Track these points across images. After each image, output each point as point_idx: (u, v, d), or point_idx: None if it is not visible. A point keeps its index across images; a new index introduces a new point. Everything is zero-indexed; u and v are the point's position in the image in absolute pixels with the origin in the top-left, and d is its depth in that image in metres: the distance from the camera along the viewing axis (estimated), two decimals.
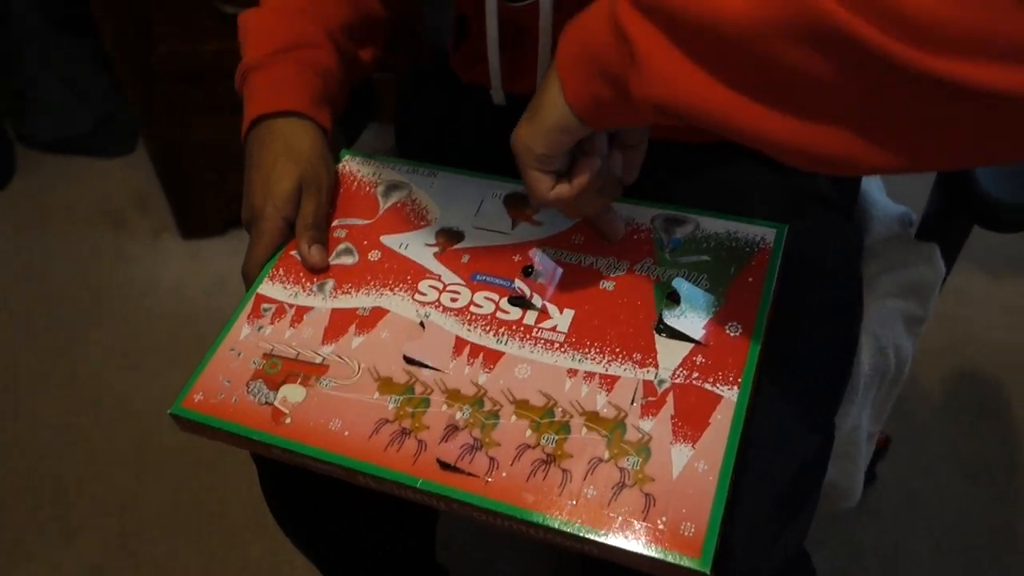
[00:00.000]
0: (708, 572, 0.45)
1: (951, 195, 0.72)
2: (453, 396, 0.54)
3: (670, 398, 0.52)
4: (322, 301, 0.61)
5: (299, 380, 0.56)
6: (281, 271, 0.63)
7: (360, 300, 0.61)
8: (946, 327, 1.41)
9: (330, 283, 0.62)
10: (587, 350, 0.56)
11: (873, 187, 0.85)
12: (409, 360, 0.57)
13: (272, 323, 0.60)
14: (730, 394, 0.52)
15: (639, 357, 0.55)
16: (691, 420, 0.51)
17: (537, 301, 0.59)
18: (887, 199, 0.85)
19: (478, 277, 0.61)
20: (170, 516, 1.23)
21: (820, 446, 0.64)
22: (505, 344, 0.57)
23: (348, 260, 0.64)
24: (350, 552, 0.77)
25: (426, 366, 0.56)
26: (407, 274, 0.62)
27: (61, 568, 1.19)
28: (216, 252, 1.62)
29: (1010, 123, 0.34)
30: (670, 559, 0.46)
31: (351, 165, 0.71)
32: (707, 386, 0.52)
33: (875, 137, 0.38)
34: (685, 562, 0.45)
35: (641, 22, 0.43)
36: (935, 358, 1.37)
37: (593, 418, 0.52)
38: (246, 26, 0.69)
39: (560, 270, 0.60)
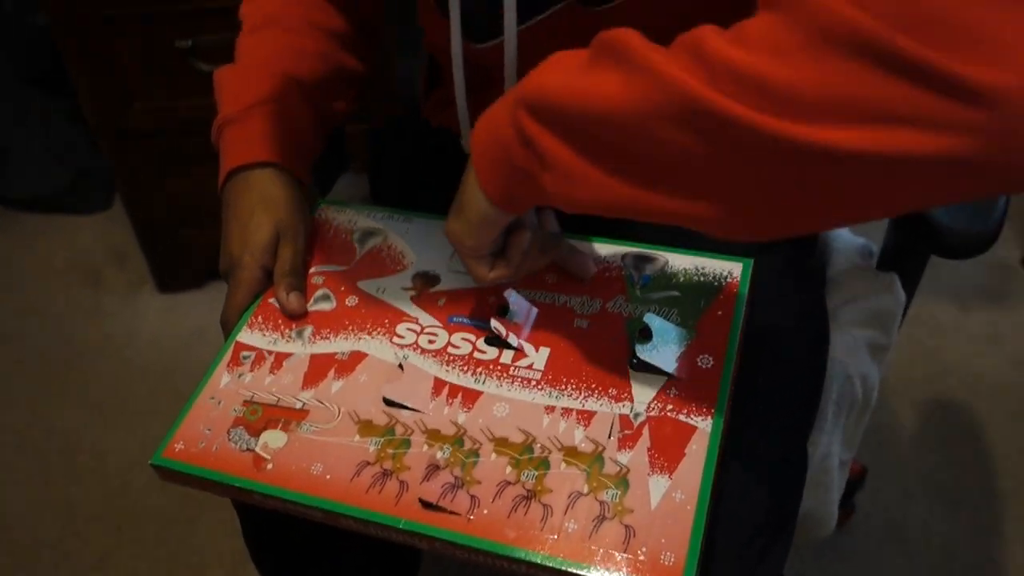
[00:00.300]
0: None
1: (906, 226, 0.74)
2: (433, 436, 0.55)
3: (646, 430, 0.53)
4: (301, 347, 0.62)
5: (280, 426, 0.57)
6: (260, 319, 0.64)
7: (339, 345, 0.62)
8: (918, 357, 1.43)
9: (308, 329, 0.63)
10: (563, 387, 0.57)
11: None
12: (389, 402, 0.58)
13: (252, 370, 0.61)
14: (704, 424, 0.53)
15: (614, 392, 0.56)
16: (667, 451, 0.52)
17: (513, 340, 0.60)
18: (848, 232, 0.87)
19: (455, 319, 0.62)
20: (149, 572, 1.21)
21: (793, 475, 0.65)
22: (483, 383, 0.58)
23: (326, 306, 0.65)
24: None
25: (405, 407, 0.57)
26: (385, 318, 0.63)
27: None
28: (193, 305, 1.62)
29: (870, 182, 0.36)
30: None
31: (327, 213, 0.73)
32: (681, 417, 0.54)
33: (749, 203, 0.41)
34: None
35: (539, 127, 0.46)
36: (909, 388, 1.39)
37: (572, 453, 0.53)
38: (221, 82, 0.71)
39: (535, 310, 0.62)
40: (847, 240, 0.83)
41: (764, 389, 0.63)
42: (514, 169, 0.49)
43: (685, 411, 0.54)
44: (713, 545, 0.54)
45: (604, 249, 0.65)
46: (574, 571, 0.48)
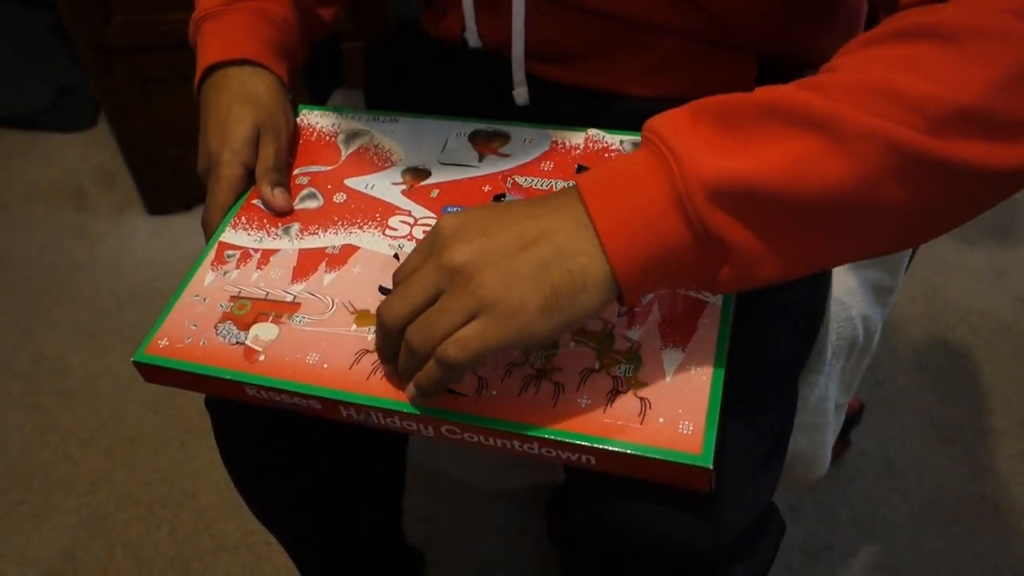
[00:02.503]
0: (710, 467, 0.45)
1: None
2: None
3: (655, 307, 0.53)
4: (288, 243, 0.60)
5: (270, 319, 0.55)
6: (243, 219, 0.62)
7: (329, 239, 0.60)
8: (919, 294, 1.41)
9: (296, 226, 0.62)
10: None
11: None
12: (385, 291, 0.56)
13: (237, 268, 0.59)
14: (714, 299, 0.52)
15: None
16: (678, 326, 0.51)
17: None
18: None
19: (449, 208, 0.61)
20: (141, 496, 1.22)
21: (784, 405, 0.64)
22: None
23: (313, 204, 0.63)
24: (311, 521, 0.76)
25: None
26: (376, 212, 0.62)
27: (29, 552, 1.17)
28: (183, 228, 1.59)
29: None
30: (671, 457, 0.45)
31: (309, 118, 0.71)
32: (691, 293, 0.53)
33: (931, 223, 0.44)
34: (686, 459, 0.45)
35: (730, 220, 0.41)
36: (909, 325, 1.37)
37: (580, 332, 0.52)
38: None
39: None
40: None
41: (757, 323, 0.61)
42: (679, 268, 0.43)
43: (693, 288, 0.53)
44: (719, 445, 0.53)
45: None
46: (590, 444, 0.47)
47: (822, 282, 0.69)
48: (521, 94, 0.69)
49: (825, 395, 0.73)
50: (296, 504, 0.73)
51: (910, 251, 0.74)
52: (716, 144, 0.41)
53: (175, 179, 1.56)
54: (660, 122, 0.44)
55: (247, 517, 1.17)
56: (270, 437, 0.66)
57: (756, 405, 0.59)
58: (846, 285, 0.73)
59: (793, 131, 0.41)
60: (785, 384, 0.64)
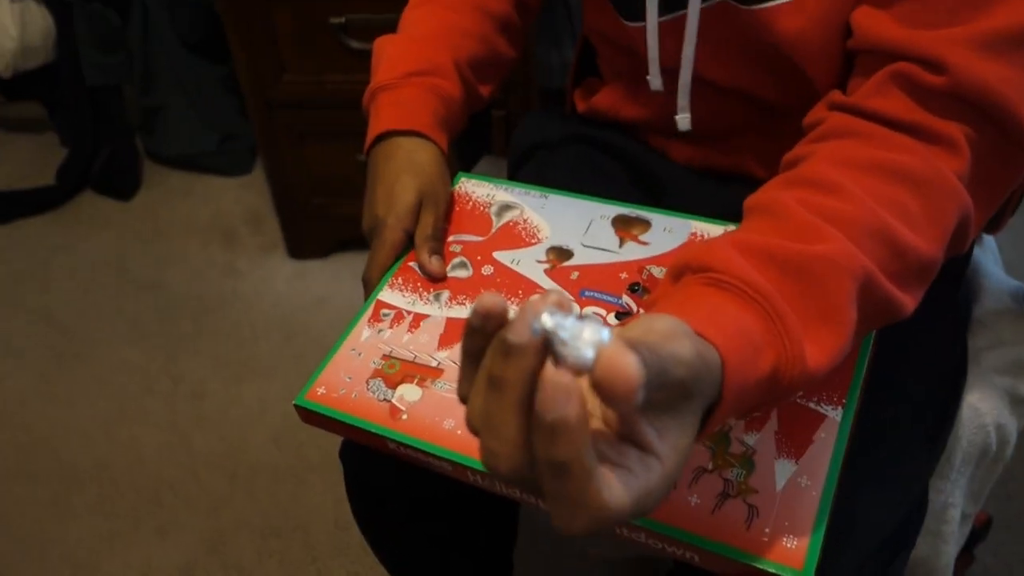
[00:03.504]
0: None
1: None
2: None
3: (774, 414, 0.53)
4: (438, 310, 0.64)
5: (416, 381, 0.59)
6: (400, 280, 0.67)
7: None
8: None
9: (446, 293, 0.66)
10: None
11: (988, 259, 0.82)
12: None
13: (391, 327, 0.64)
14: (834, 414, 0.52)
15: None
16: (795, 437, 0.52)
17: (648, 300, 0.60)
18: (1001, 272, 0.82)
19: (587, 293, 0.63)
20: (257, 524, 1.28)
21: (910, 513, 0.63)
22: None
23: (463, 273, 0.67)
24: (427, 566, 0.78)
25: None
26: (519, 288, 0.65)
27: (153, 563, 1.24)
28: (319, 273, 1.68)
29: None
30: (772, 569, 0.46)
31: (467, 187, 0.75)
32: (811, 405, 0.53)
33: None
34: (788, 574, 0.46)
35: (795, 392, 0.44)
36: None
37: None
38: (381, 50, 0.74)
39: None
40: (999, 279, 0.78)
41: (889, 419, 0.61)
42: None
43: (815, 399, 0.53)
44: (825, 562, 0.53)
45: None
46: (696, 544, 0.48)
47: (956, 385, 0.68)
48: (684, 120, 0.71)
49: (951, 503, 0.70)
50: (414, 549, 0.75)
51: None
52: (810, 329, 0.44)
53: (317, 227, 1.66)
54: (748, 273, 0.44)
55: (353, 555, 1.21)
56: (396, 489, 0.69)
57: (872, 517, 0.58)
58: (980, 391, 0.71)
59: (849, 296, 0.45)
60: (907, 491, 0.62)
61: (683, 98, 0.69)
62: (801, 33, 0.60)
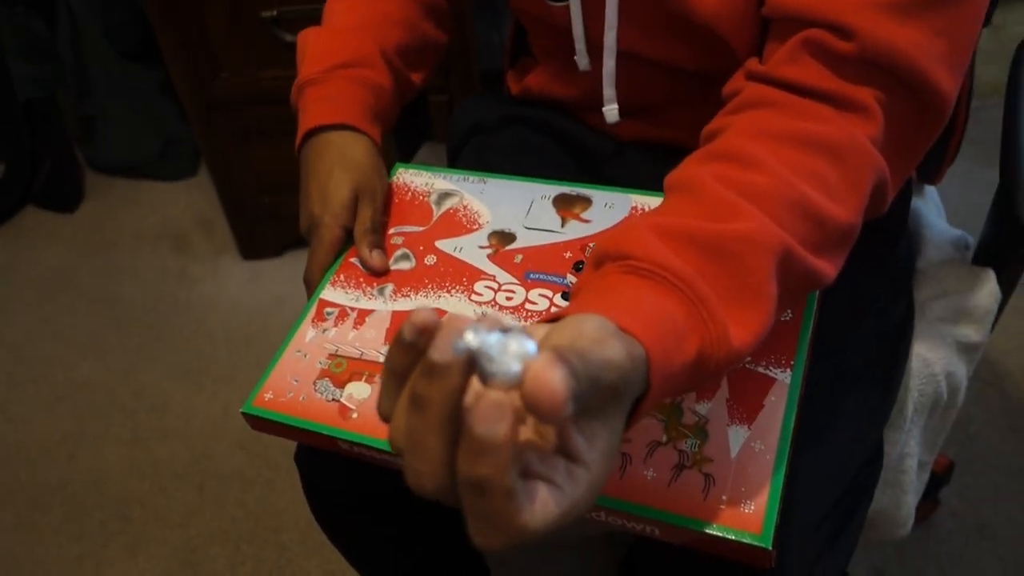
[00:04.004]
0: (769, 547, 0.46)
1: (1006, 219, 0.70)
2: None
3: (724, 382, 0.53)
4: (383, 304, 0.64)
5: (364, 378, 0.59)
6: (342, 277, 0.66)
7: (419, 302, 0.63)
8: (1013, 348, 1.37)
9: (389, 287, 0.65)
10: None
11: (931, 210, 0.83)
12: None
13: (336, 326, 0.63)
14: (783, 376, 0.53)
15: None
16: (746, 402, 0.52)
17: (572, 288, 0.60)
18: (944, 222, 0.83)
19: (531, 275, 0.63)
20: (229, 531, 1.26)
21: (865, 468, 0.64)
22: None
23: (406, 265, 0.66)
24: (395, 560, 0.78)
25: None
26: (463, 276, 0.64)
27: None
28: (274, 273, 1.66)
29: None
30: (732, 536, 0.46)
31: (404, 177, 0.74)
32: (760, 369, 0.53)
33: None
34: (747, 539, 0.46)
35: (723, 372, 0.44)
36: (1003, 381, 1.33)
37: None
38: (305, 44, 0.72)
39: None
40: (941, 230, 0.79)
41: (838, 380, 0.62)
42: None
43: (764, 363, 0.54)
44: (785, 523, 0.54)
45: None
46: (655, 518, 0.48)
47: (902, 337, 0.69)
48: (611, 112, 0.71)
49: (906, 451, 0.71)
50: (379, 545, 0.75)
51: (997, 308, 0.73)
52: (733, 310, 0.43)
53: (268, 226, 1.64)
54: (667, 258, 0.43)
55: (327, 555, 1.20)
56: (354, 489, 0.69)
57: (827, 473, 0.59)
58: (928, 341, 0.72)
59: (768, 272, 0.45)
60: (860, 446, 0.63)
61: (608, 87, 0.69)
62: (720, 5, 0.59)
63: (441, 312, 0.62)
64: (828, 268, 0.48)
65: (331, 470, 0.68)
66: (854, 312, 0.65)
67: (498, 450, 0.31)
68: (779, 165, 0.47)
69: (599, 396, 0.35)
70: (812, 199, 0.47)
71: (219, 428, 1.40)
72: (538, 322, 0.41)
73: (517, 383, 0.32)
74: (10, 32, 1.72)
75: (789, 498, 0.50)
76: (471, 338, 0.32)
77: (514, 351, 0.32)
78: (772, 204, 0.46)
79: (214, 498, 1.31)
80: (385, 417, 0.37)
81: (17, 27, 1.71)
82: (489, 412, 0.30)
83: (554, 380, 0.31)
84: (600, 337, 0.36)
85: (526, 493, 0.33)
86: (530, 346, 0.32)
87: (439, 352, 0.32)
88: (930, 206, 0.84)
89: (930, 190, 0.87)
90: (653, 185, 0.67)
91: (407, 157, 0.97)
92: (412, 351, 0.34)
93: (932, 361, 0.71)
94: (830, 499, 0.59)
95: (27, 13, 1.71)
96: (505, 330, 0.33)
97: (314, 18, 0.75)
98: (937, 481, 1.14)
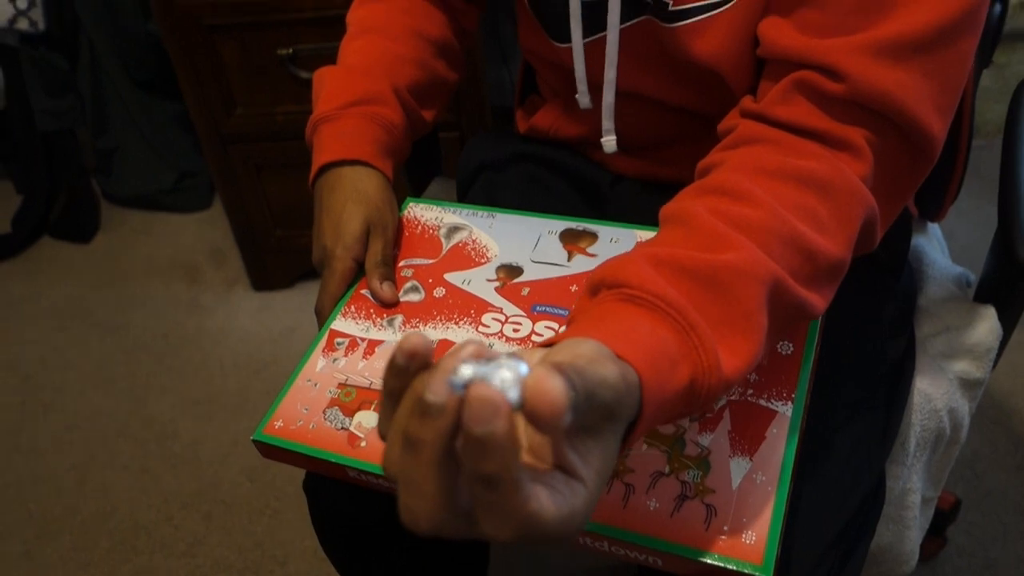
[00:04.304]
0: None
1: (1005, 257, 0.71)
2: None
3: (726, 414, 0.54)
4: (392, 335, 0.65)
5: (373, 407, 0.60)
6: (353, 308, 0.67)
7: (428, 334, 0.64)
8: (1019, 387, 1.36)
9: (399, 318, 0.66)
10: None
11: (934, 248, 0.84)
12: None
13: (346, 355, 0.64)
14: (784, 409, 0.54)
15: None
16: (748, 434, 0.53)
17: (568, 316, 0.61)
18: (946, 259, 0.84)
19: (538, 308, 0.64)
20: (234, 561, 1.26)
21: (867, 502, 0.64)
22: None
23: (415, 297, 0.68)
24: None
25: None
26: (471, 308, 0.65)
27: None
28: (284, 304, 1.68)
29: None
30: (733, 566, 0.47)
31: (415, 211, 0.76)
32: (762, 402, 0.54)
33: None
34: (747, 569, 0.47)
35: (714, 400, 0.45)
36: (1010, 418, 1.32)
37: (653, 434, 0.54)
38: (320, 82, 0.74)
39: None
40: (943, 267, 0.80)
41: (838, 410, 0.63)
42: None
43: (765, 396, 0.54)
44: (787, 557, 0.54)
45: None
46: (657, 548, 0.49)
47: (902, 373, 0.70)
48: (609, 143, 0.73)
49: (909, 488, 0.72)
50: (386, 574, 0.75)
51: (998, 345, 0.74)
52: (724, 338, 0.45)
53: (280, 258, 1.66)
54: (661, 287, 0.44)
55: None
56: (361, 518, 0.69)
57: (828, 507, 0.60)
58: (930, 377, 0.72)
59: (759, 302, 0.46)
60: (861, 479, 0.64)
61: (607, 120, 0.71)
62: (719, 48, 0.61)
63: (449, 343, 0.63)
64: (818, 301, 0.49)
65: (339, 499, 0.69)
66: (855, 346, 0.66)
67: (501, 445, 0.31)
68: (771, 199, 0.49)
69: (593, 414, 0.36)
70: (802, 233, 0.48)
71: (227, 458, 1.41)
72: (534, 347, 0.42)
73: (516, 407, 0.33)
74: (32, 67, 1.76)
75: (790, 532, 0.50)
76: (466, 371, 0.33)
77: (509, 376, 0.33)
78: (763, 236, 0.47)
79: (221, 527, 1.31)
80: (384, 436, 0.38)
81: (39, 62, 1.76)
82: (483, 410, 0.31)
83: (554, 386, 0.31)
84: (596, 357, 0.37)
85: (534, 486, 0.34)
86: (523, 368, 0.33)
87: (433, 392, 0.32)
88: (933, 243, 0.85)
89: (933, 227, 0.88)
90: (655, 219, 0.68)
91: (418, 192, 0.99)
92: (404, 374, 0.35)
93: (934, 397, 0.72)
94: (831, 533, 0.59)
95: (49, 49, 1.75)
96: (496, 361, 0.34)
97: (328, 56, 0.77)
98: (944, 518, 1.14)
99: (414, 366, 0.35)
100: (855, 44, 0.51)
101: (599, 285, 0.47)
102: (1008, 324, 0.75)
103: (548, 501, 0.34)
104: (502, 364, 0.33)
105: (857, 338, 0.66)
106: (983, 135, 1.72)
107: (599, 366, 0.36)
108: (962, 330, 0.73)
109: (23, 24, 1.67)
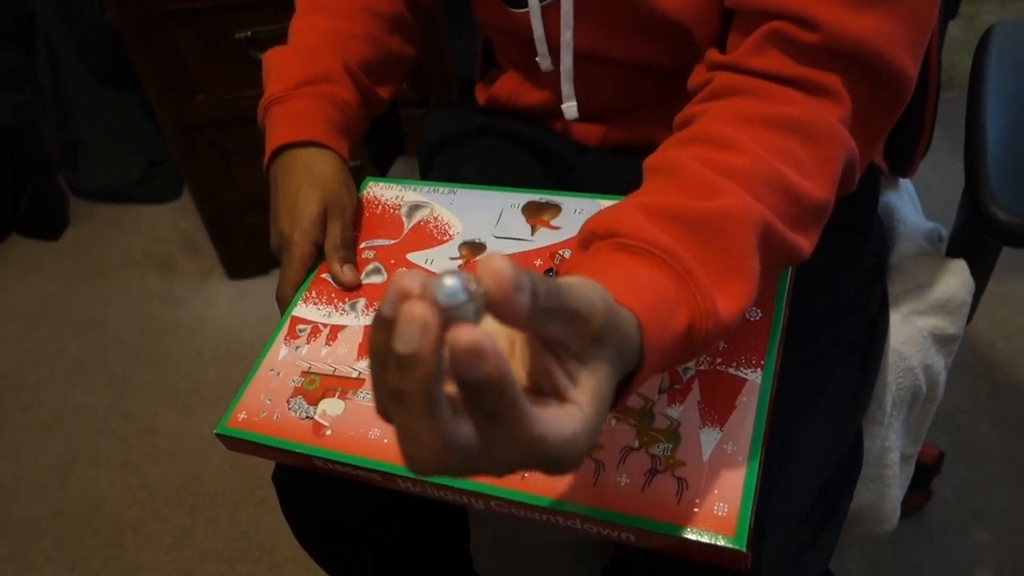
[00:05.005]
0: (743, 550, 0.46)
1: (974, 209, 0.70)
2: None
3: (695, 384, 0.53)
4: (355, 319, 0.63)
5: (337, 394, 0.59)
6: (314, 293, 0.66)
7: None
8: (998, 337, 1.37)
9: (362, 301, 0.65)
10: None
11: (906, 204, 0.83)
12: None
13: (308, 343, 0.63)
14: (754, 376, 0.53)
15: None
16: (717, 404, 0.52)
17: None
18: (918, 215, 0.83)
19: None
20: (222, 551, 1.26)
21: (844, 466, 0.63)
22: None
23: (377, 279, 0.66)
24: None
25: None
26: None
27: None
28: (261, 291, 1.66)
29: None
30: (705, 539, 0.46)
31: (375, 191, 0.74)
32: (731, 370, 0.53)
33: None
34: (720, 541, 0.46)
35: (710, 344, 0.45)
36: (990, 369, 1.33)
37: (621, 409, 0.53)
38: (269, 63, 0.73)
39: None
40: (914, 224, 0.79)
41: (812, 371, 0.62)
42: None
43: (734, 364, 0.54)
44: (763, 525, 0.53)
45: None
46: (629, 524, 0.48)
47: (876, 332, 0.69)
48: (570, 109, 0.72)
49: (888, 446, 0.71)
50: (361, 564, 0.75)
51: (970, 300, 0.73)
52: (719, 282, 0.45)
53: (253, 245, 1.64)
54: (654, 234, 0.44)
55: (322, 573, 1.20)
56: (332, 508, 0.68)
57: (805, 468, 0.59)
58: (904, 335, 0.72)
59: (750, 245, 0.46)
60: (838, 439, 0.64)
61: (567, 85, 0.69)
62: (683, 1, 0.60)
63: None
64: (805, 243, 0.50)
65: (309, 490, 0.68)
66: (827, 307, 0.65)
67: (499, 382, 0.31)
68: (754, 145, 0.49)
69: (571, 329, 0.36)
70: (787, 176, 0.48)
71: (210, 449, 1.40)
72: None
73: (481, 304, 0.32)
74: None
75: (766, 497, 0.50)
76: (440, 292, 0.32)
77: (467, 282, 0.32)
78: (750, 181, 0.47)
79: (207, 519, 1.31)
80: (387, 417, 0.36)
81: None
82: (470, 357, 0.30)
83: (500, 263, 0.31)
84: (575, 281, 0.37)
85: (536, 410, 0.34)
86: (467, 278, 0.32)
87: (403, 342, 0.31)
88: (904, 199, 0.84)
89: (904, 183, 0.87)
90: (619, 188, 0.67)
91: (382, 172, 0.97)
92: (390, 327, 0.33)
93: (908, 355, 0.71)
94: (810, 496, 0.59)
95: (3, 43, 1.71)
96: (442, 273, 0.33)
97: (287, 38, 0.75)
98: (928, 472, 1.14)
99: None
100: None
101: (591, 237, 0.46)
102: (980, 278, 0.75)
103: (549, 424, 0.34)
104: (460, 274, 0.32)
105: (829, 298, 0.65)
106: (956, 87, 1.71)
107: (576, 285, 0.36)
108: (933, 286, 0.73)
109: None
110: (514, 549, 0.98)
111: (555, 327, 0.35)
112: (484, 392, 0.31)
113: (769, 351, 0.54)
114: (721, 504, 0.47)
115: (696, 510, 0.47)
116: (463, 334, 0.30)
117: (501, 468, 0.35)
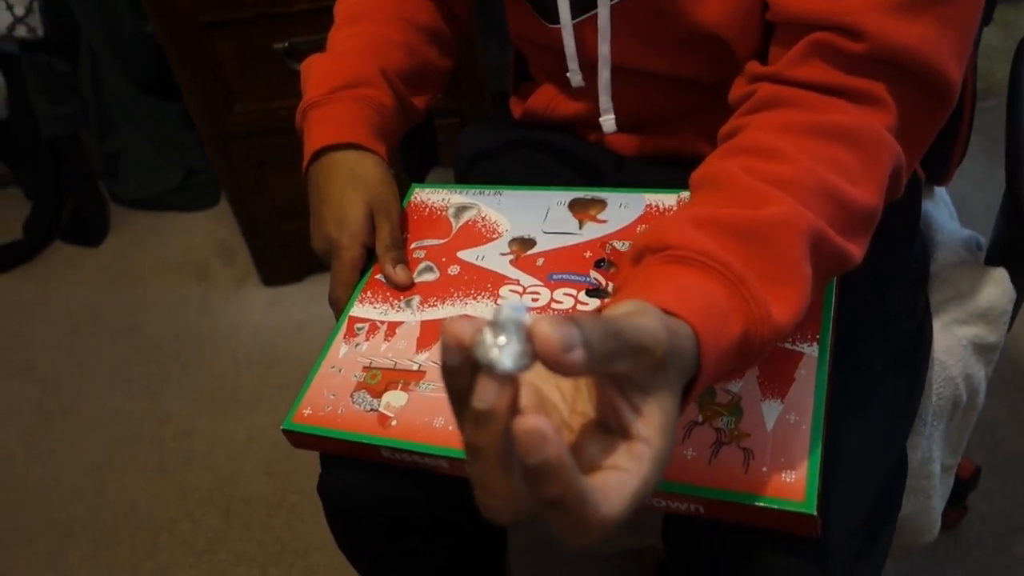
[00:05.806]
0: (814, 513, 0.46)
1: (1015, 217, 0.69)
2: None
3: None
4: (411, 315, 0.65)
5: (400, 386, 0.60)
6: (369, 293, 0.67)
7: (447, 310, 0.64)
8: None
9: (416, 299, 0.66)
10: None
11: (942, 213, 0.83)
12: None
13: (367, 340, 0.64)
14: (810, 350, 0.54)
15: None
16: (776, 378, 0.53)
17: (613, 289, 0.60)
18: (955, 224, 0.83)
19: (555, 276, 0.64)
20: (256, 555, 1.27)
21: (892, 478, 0.63)
22: None
23: (430, 277, 0.67)
24: None
25: None
26: (487, 282, 0.65)
27: None
28: (295, 299, 1.68)
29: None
30: (776, 505, 0.47)
31: (421, 196, 0.76)
32: (787, 345, 0.54)
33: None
34: (791, 507, 0.46)
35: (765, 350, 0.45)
36: None
37: None
38: (308, 69, 0.74)
39: None
40: (952, 232, 0.79)
41: (863, 382, 0.62)
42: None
43: (790, 339, 0.54)
44: (809, 548, 0.53)
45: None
46: (698, 494, 0.48)
47: (921, 343, 0.68)
48: (608, 122, 0.72)
49: (929, 456, 0.71)
50: (405, 572, 0.75)
51: (1011, 309, 0.72)
52: (771, 289, 0.45)
53: (288, 252, 1.66)
54: (705, 244, 0.45)
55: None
56: (377, 514, 0.68)
57: (859, 481, 0.59)
58: (944, 344, 0.71)
59: (802, 253, 0.46)
60: (886, 447, 0.63)
61: (605, 99, 0.70)
62: (723, 12, 0.60)
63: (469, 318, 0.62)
64: (855, 249, 0.50)
65: (355, 496, 0.68)
66: (875, 315, 0.65)
67: (556, 469, 0.32)
68: (800, 154, 0.49)
69: (634, 363, 0.36)
70: (835, 184, 0.48)
71: (244, 453, 1.42)
72: None
73: (530, 355, 0.33)
74: (34, 74, 1.77)
75: (826, 504, 0.49)
76: (492, 350, 0.32)
77: (518, 347, 0.32)
78: (798, 190, 0.47)
79: (240, 523, 1.32)
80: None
81: (40, 67, 1.76)
82: (531, 440, 0.31)
83: (545, 328, 0.32)
84: (632, 310, 0.37)
85: (598, 490, 0.34)
86: (525, 318, 0.33)
87: (480, 399, 0.33)
88: (940, 208, 0.83)
89: (940, 192, 0.86)
90: (662, 188, 0.68)
91: (418, 182, 0.98)
92: (458, 374, 0.34)
93: (949, 364, 0.71)
94: (865, 502, 0.59)
95: (49, 55, 1.75)
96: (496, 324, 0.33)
97: (324, 48, 0.76)
98: (964, 487, 1.12)
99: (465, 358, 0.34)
100: (872, 2, 0.51)
101: (642, 251, 0.47)
102: (1021, 286, 0.74)
103: (616, 494, 0.35)
104: (507, 335, 0.33)
105: (877, 307, 0.65)
106: (994, 95, 1.69)
107: (634, 316, 0.36)
108: (974, 294, 0.72)
109: (22, 31, 1.67)
110: (551, 561, 0.98)
111: (620, 365, 0.35)
112: (545, 477, 0.32)
113: (824, 324, 0.55)
114: (789, 472, 0.48)
115: (764, 478, 0.48)
116: (528, 421, 0.31)
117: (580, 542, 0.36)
